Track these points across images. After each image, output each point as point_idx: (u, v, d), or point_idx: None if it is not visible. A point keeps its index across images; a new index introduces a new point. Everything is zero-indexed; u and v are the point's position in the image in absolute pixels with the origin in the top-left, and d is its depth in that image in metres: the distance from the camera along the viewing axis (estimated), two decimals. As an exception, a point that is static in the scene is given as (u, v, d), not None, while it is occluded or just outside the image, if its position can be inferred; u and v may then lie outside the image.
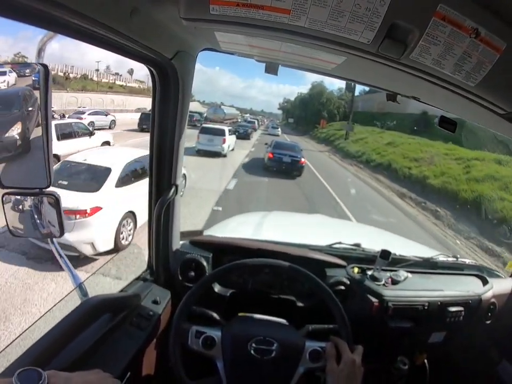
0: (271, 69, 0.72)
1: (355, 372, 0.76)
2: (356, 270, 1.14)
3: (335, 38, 0.44)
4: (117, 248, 3.75)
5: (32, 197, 0.72)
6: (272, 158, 10.35)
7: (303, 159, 10.50)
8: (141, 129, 14.88)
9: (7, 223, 0.75)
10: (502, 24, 0.41)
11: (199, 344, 0.82)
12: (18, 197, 0.74)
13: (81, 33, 0.51)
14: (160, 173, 0.96)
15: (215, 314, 0.90)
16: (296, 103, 48.37)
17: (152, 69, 0.79)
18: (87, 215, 3.36)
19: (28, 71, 0.64)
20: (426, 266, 1.28)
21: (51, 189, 0.69)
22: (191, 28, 0.57)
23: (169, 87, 0.83)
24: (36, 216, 0.74)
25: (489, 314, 1.17)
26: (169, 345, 0.80)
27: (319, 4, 0.41)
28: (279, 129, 33.55)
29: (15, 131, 0.66)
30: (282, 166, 10.15)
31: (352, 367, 0.76)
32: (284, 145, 11.23)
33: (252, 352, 0.82)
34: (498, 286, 1.21)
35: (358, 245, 1.30)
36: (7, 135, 0.67)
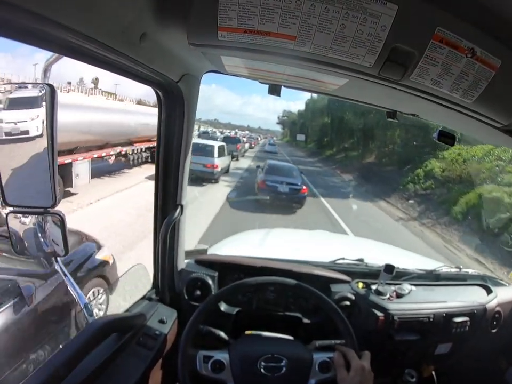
0: (274, 90, 0.73)
1: (366, 378, 0.75)
2: (361, 285, 1.14)
3: (338, 62, 0.46)
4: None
5: (37, 216, 0.72)
6: (265, 187, 7.43)
7: (304, 187, 7.65)
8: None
9: (10, 240, 0.74)
10: (496, 43, 0.43)
11: (208, 369, 0.81)
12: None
13: (91, 57, 0.51)
14: (166, 193, 0.96)
15: (222, 333, 0.89)
16: (315, 106, 28.53)
17: (158, 91, 0.80)
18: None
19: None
20: (430, 278, 1.28)
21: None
22: (198, 52, 0.58)
23: (175, 108, 0.84)
24: (39, 235, 0.74)
25: (495, 323, 1.17)
26: (178, 371, 0.79)
27: (323, 30, 0.42)
28: (276, 146, 28.28)
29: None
30: (282, 196, 7.33)
31: (362, 373, 0.75)
32: (278, 170, 8.19)
33: (262, 370, 0.81)
34: (502, 295, 1.21)
35: (361, 260, 1.30)
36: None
